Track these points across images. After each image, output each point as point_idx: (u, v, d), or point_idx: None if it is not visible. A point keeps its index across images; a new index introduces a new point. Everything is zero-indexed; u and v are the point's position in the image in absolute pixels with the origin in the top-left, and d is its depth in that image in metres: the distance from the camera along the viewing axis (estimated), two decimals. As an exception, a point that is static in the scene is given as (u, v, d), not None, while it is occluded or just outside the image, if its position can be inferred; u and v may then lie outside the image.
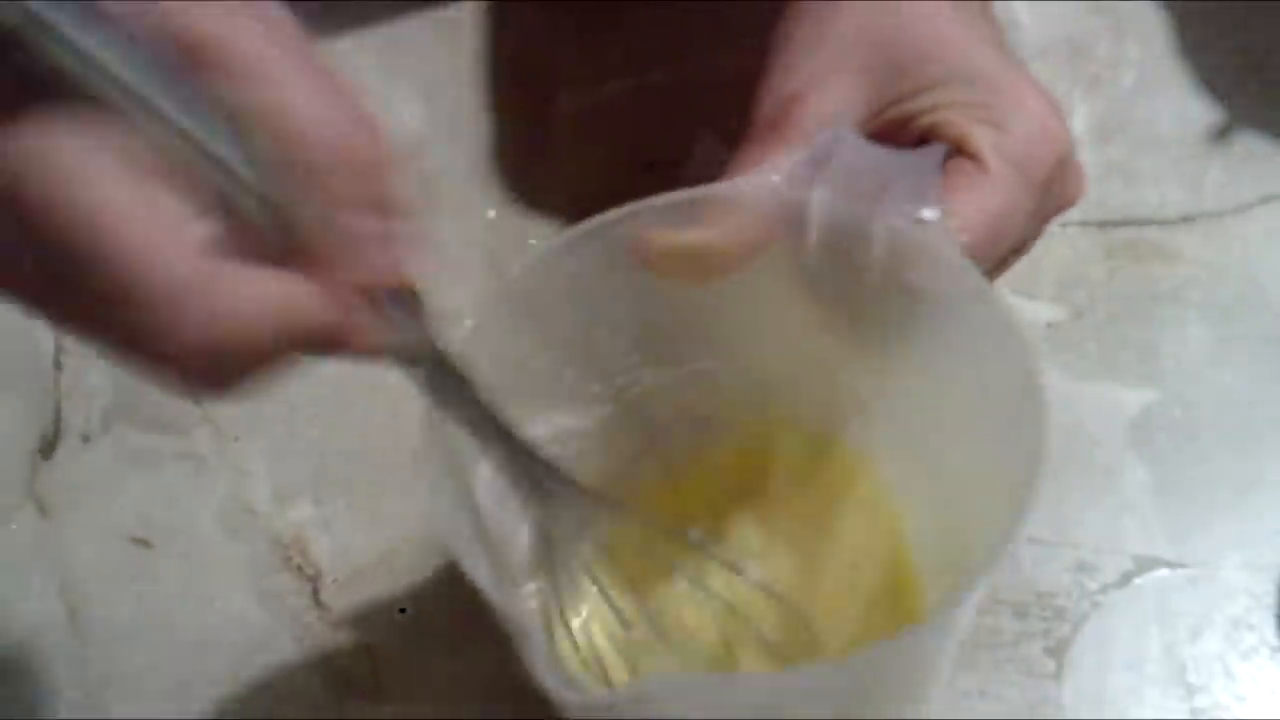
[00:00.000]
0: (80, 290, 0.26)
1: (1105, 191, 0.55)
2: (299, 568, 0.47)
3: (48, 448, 0.50)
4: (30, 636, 0.46)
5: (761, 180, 0.38)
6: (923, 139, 0.39)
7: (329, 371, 0.51)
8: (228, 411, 0.51)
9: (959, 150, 0.38)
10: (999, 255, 0.38)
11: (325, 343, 0.29)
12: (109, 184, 0.26)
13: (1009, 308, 0.36)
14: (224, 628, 0.46)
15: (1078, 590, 0.46)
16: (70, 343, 0.53)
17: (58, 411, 0.51)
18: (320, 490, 0.49)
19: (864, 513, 0.44)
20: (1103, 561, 0.47)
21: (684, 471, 0.45)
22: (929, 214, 0.36)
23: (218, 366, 0.28)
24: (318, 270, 0.28)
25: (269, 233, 0.28)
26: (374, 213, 0.28)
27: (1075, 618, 0.45)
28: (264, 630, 0.46)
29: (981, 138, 0.38)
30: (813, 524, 0.44)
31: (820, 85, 0.39)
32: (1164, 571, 0.46)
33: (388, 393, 0.51)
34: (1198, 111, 0.56)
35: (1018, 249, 0.40)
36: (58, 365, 0.52)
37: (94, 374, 0.52)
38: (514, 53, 0.59)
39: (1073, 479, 0.48)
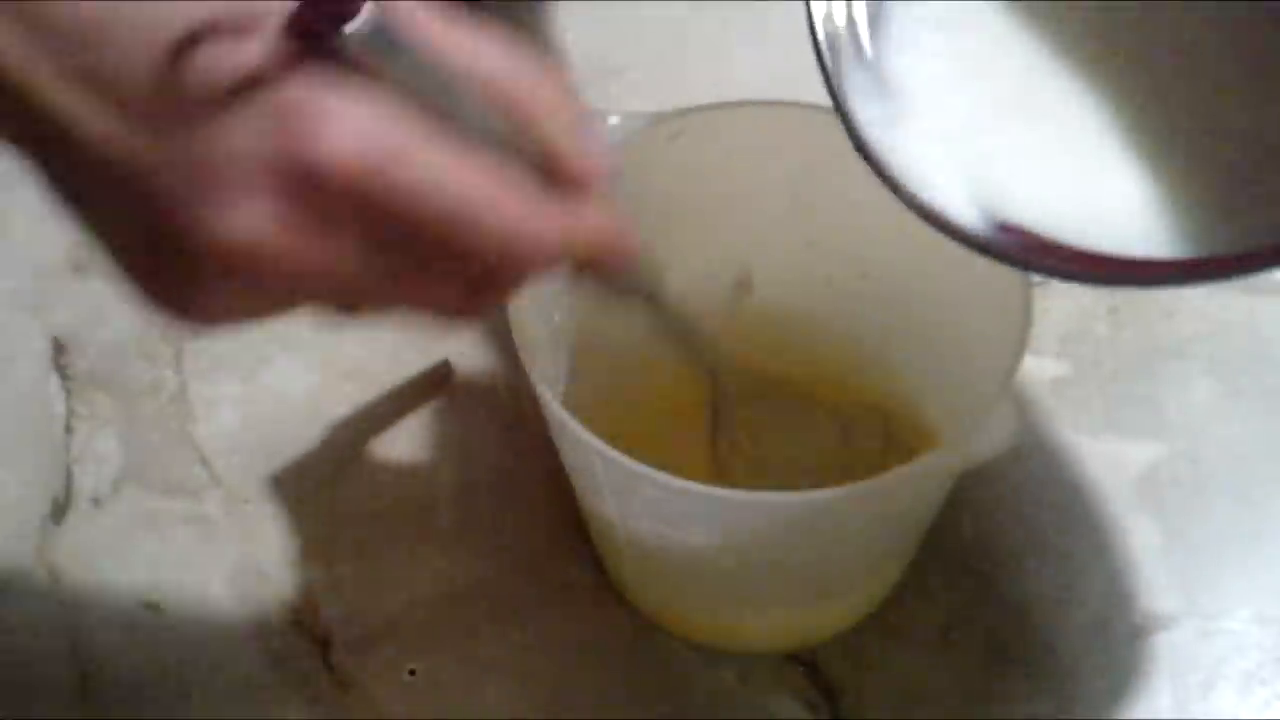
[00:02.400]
0: (423, 255, 0.29)
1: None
2: (309, 630, 0.47)
3: (58, 512, 0.51)
4: (41, 700, 0.46)
5: None
6: None
7: (339, 434, 0.52)
8: (238, 475, 0.51)
9: None
10: None
11: (607, 254, 0.33)
12: (441, 153, 0.29)
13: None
14: (235, 691, 0.46)
15: (1088, 647, 0.46)
16: (81, 407, 0.53)
17: (68, 476, 0.51)
18: (330, 553, 0.49)
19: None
20: (1113, 617, 0.46)
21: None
22: None
23: (525, 280, 0.31)
24: (570, 197, 0.31)
25: (530, 174, 0.31)
26: (578, 132, 0.31)
27: (1086, 674, 0.45)
28: (274, 693, 0.46)
29: None
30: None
31: None
32: (1174, 626, 0.46)
33: (398, 455, 0.51)
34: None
35: None
36: (68, 430, 0.52)
37: (104, 438, 0.52)
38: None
39: (1081, 535, 0.48)
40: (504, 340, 0.53)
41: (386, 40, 0.28)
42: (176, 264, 0.28)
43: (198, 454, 0.52)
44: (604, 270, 0.34)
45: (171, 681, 0.46)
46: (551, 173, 0.31)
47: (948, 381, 0.45)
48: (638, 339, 0.41)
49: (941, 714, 0.45)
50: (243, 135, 0.27)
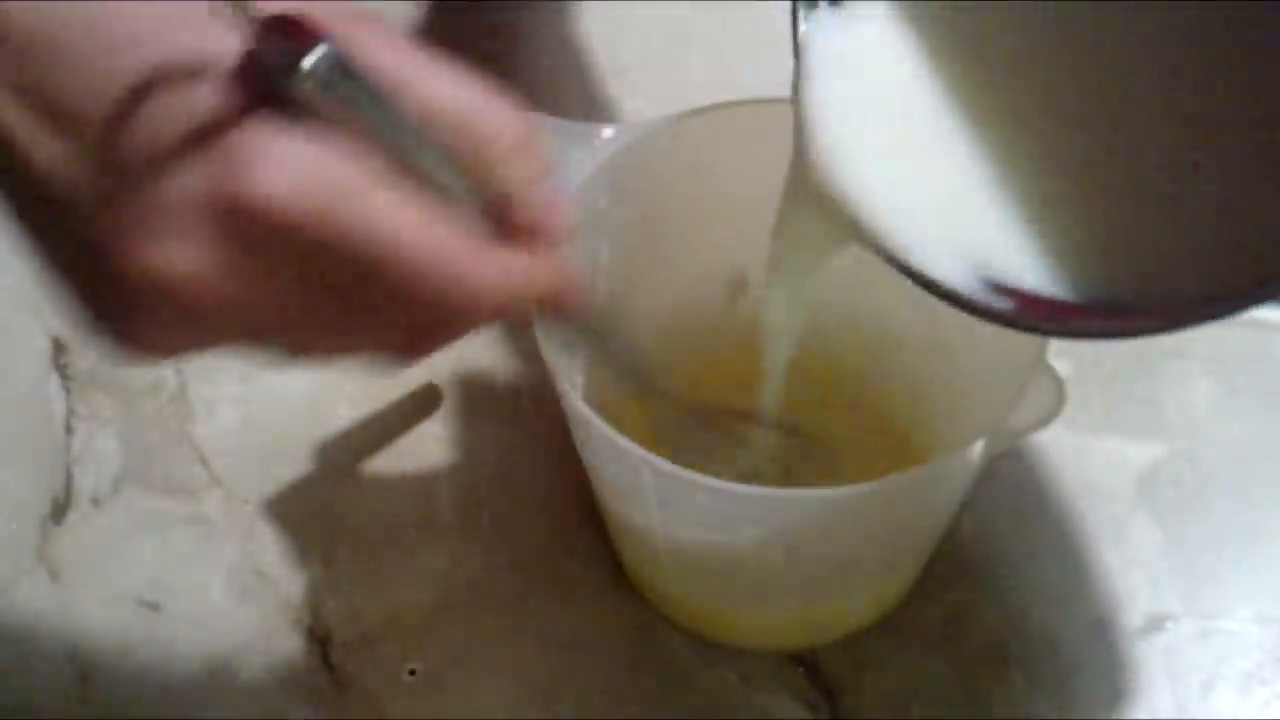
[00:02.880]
0: (363, 297, 0.29)
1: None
2: (309, 630, 0.47)
3: (58, 512, 0.51)
4: (41, 700, 0.46)
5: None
6: None
7: (337, 434, 0.52)
8: (238, 475, 0.51)
9: None
10: None
11: (554, 304, 0.34)
12: (386, 196, 0.28)
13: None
14: (234, 691, 0.46)
15: (1088, 647, 0.46)
16: (81, 407, 0.53)
17: (68, 476, 0.51)
18: (330, 552, 0.49)
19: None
20: (1113, 617, 0.46)
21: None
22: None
23: (470, 327, 0.31)
24: (522, 245, 0.32)
25: (481, 220, 0.31)
26: (538, 181, 0.31)
27: (1086, 674, 0.45)
28: (274, 693, 0.46)
29: None
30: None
31: None
32: (1174, 626, 0.46)
33: (397, 455, 0.51)
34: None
35: None
36: (69, 430, 0.53)
37: (104, 438, 0.52)
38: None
39: (1081, 535, 0.48)
40: (503, 339, 0.54)
41: (345, 78, 0.27)
42: (115, 292, 0.28)
43: (198, 454, 0.52)
44: (552, 316, 0.35)
45: (172, 681, 0.46)
46: (505, 220, 0.31)
47: (956, 373, 0.45)
48: (655, 325, 0.41)
49: (941, 714, 0.45)
50: (184, 174, 0.27)
